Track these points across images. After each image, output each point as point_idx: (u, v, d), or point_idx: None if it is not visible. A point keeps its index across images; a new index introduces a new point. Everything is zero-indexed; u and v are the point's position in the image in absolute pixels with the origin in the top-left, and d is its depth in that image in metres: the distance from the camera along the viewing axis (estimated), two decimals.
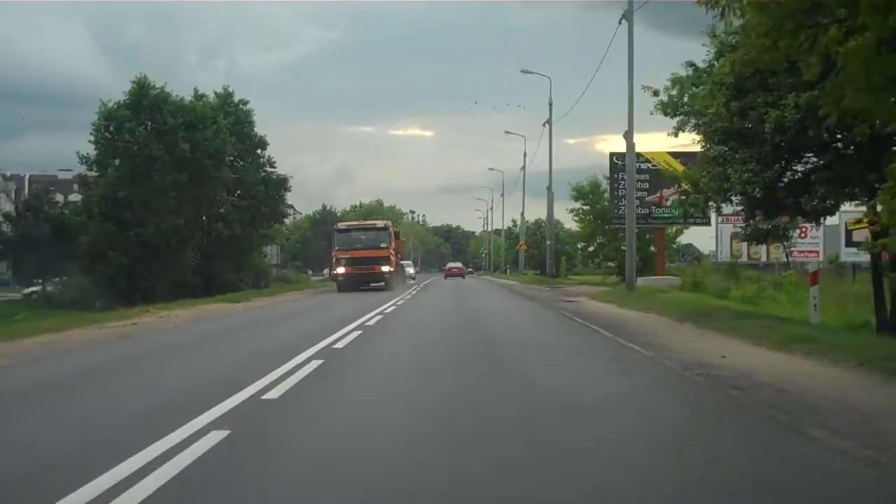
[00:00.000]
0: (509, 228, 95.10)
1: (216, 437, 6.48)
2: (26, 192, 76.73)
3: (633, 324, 18.05)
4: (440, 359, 12.10)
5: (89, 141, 41.29)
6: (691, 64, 20.62)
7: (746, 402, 8.29)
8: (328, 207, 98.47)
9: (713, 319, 17.42)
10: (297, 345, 13.52)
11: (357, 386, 9.84)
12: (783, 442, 6.69)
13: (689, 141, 19.26)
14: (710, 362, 11.13)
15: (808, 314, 16.08)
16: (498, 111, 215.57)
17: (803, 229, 43.15)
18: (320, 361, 11.46)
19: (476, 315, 22.66)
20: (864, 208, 15.31)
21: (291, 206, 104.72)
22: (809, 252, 48.09)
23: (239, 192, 50.93)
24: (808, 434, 6.73)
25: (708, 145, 16.61)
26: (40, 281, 49.60)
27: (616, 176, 40.66)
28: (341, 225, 41.60)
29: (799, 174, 16.31)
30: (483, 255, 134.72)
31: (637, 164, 40.50)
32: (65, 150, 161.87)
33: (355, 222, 42.85)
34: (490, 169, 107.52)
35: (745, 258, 48.98)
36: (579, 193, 48.51)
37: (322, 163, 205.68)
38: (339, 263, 36.73)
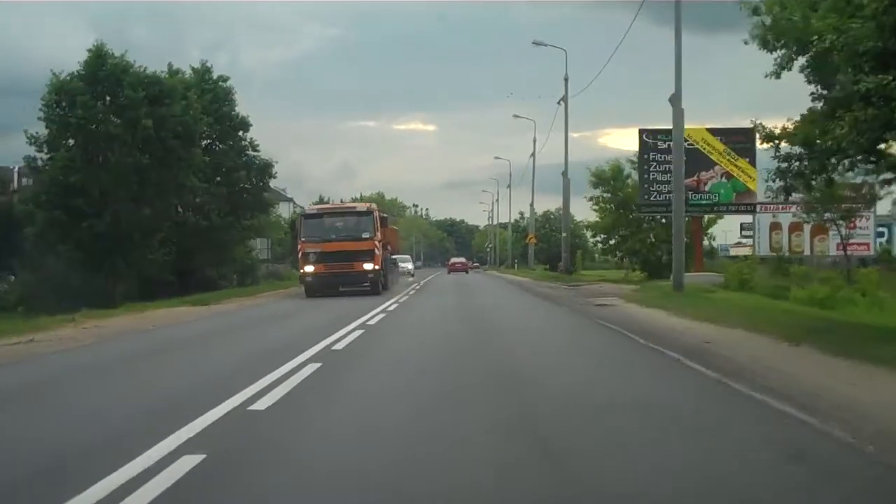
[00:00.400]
0: (516, 221, 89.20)
1: None
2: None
3: (722, 346, 12.20)
4: (441, 441, 6.31)
5: (38, 118, 35.44)
6: None
7: None
8: (325, 199, 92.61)
9: (842, 340, 11.61)
10: (195, 399, 7.72)
11: None
12: None
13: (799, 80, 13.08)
14: None
15: None
16: (502, 105, 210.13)
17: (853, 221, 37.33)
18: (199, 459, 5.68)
19: (489, 329, 16.78)
20: None
21: (291, 200, 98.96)
22: (859, 245, 42.17)
23: (219, 178, 45.25)
24: None
25: (855, 75, 10.58)
26: None
27: (647, 156, 34.78)
28: (310, 209, 32.02)
29: None
30: (488, 250, 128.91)
31: (667, 143, 34.68)
32: None
33: (329, 205, 33.93)
34: (496, 158, 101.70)
35: (785, 251, 43.05)
36: (599, 179, 42.62)
37: (325, 159, 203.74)
38: (306, 260, 27.89)
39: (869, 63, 10.43)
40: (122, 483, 5.14)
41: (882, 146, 11.46)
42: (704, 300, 22.04)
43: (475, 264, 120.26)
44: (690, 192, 34.38)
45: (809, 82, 12.85)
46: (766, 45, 12.81)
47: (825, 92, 12.58)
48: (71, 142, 35.81)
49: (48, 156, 35.86)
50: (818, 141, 12.07)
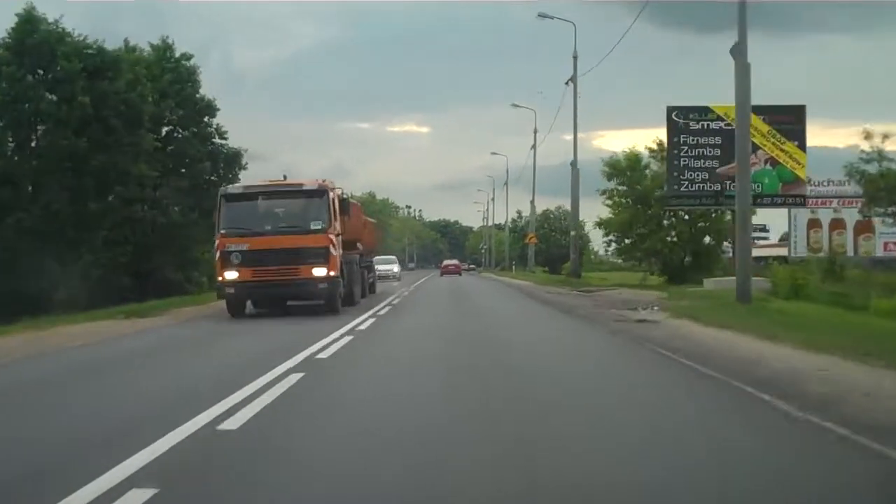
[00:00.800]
0: (514, 220, 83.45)
1: None
2: None
3: None
4: None
5: None
6: None
7: None
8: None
9: None
10: None
11: None
12: None
13: None
14: None
15: None
16: (497, 107, 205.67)
17: None
18: None
19: (500, 367, 10.87)
20: None
21: None
22: None
23: (183, 169, 39.49)
24: None
25: None
26: None
27: (676, 139, 29.03)
28: (233, 188, 21.85)
29: None
30: (483, 251, 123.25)
31: (701, 123, 29.11)
32: None
33: (262, 182, 21.21)
34: (493, 154, 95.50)
35: (825, 251, 37.36)
36: (613, 171, 36.92)
37: (318, 160, 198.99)
38: (226, 262, 19.27)
39: None
40: None
41: None
42: (778, 315, 16.40)
43: (471, 266, 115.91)
44: (728, 182, 28.75)
45: None
46: None
47: None
48: None
49: None
50: None
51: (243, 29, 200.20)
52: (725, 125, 28.64)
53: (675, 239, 36.60)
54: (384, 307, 22.46)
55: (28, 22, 29.98)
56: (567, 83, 38.94)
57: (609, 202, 37.95)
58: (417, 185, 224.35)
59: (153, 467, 5.34)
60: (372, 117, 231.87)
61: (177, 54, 39.69)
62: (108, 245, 33.56)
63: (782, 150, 28.40)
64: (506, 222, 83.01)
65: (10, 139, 29.58)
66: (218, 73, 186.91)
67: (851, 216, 37.00)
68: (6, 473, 5.40)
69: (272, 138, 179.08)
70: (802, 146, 28.25)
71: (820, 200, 37.40)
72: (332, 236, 19.00)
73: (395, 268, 48.27)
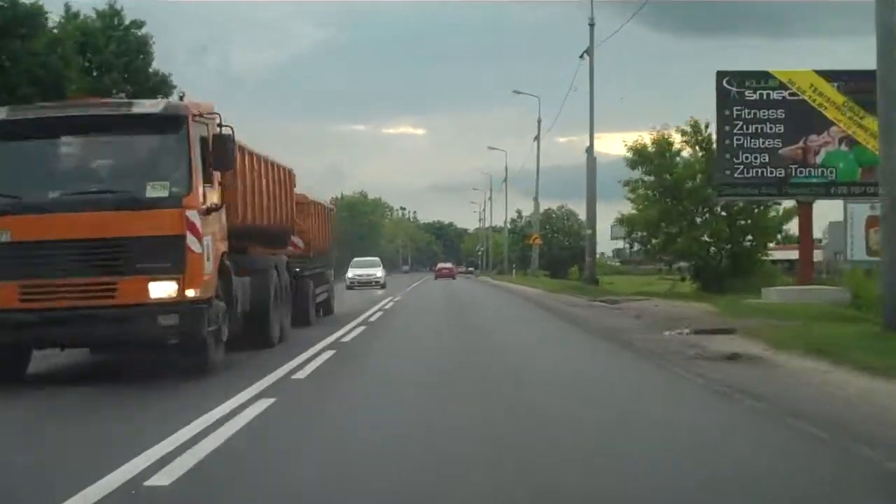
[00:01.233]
0: (513, 220, 77.29)
1: None
2: None
3: None
4: None
5: None
6: None
7: None
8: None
9: None
10: None
11: None
12: None
13: None
14: None
15: None
16: (493, 109, 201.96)
17: None
18: None
19: None
20: None
21: None
22: None
23: None
24: None
25: None
26: None
27: (728, 113, 22.84)
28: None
29: None
30: (479, 254, 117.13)
31: (759, 93, 23.07)
32: None
33: (54, 104, 10.71)
34: (490, 148, 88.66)
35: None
36: (639, 157, 30.80)
37: (314, 161, 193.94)
38: None
39: None
40: None
41: None
42: None
43: (469, 269, 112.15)
44: (795, 167, 22.65)
45: None
46: None
47: None
48: None
49: None
50: None
51: (240, 30, 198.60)
52: (790, 95, 22.54)
53: (709, 239, 30.59)
54: (333, 344, 13.14)
55: None
56: (582, 56, 32.88)
57: (632, 195, 31.90)
58: (412, 186, 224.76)
59: None
60: (367, 119, 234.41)
61: (126, 21, 33.64)
62: None
63: (861, 127, 22.27)
64: (505, 222, 76.86)
65: None
66: (215, 74, 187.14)
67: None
68: None
69: (268, 139, 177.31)
70: None
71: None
72: (192, 212, 9.33)
73: (379, 272, 40.58)
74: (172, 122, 9.54)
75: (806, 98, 22.36)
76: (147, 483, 4.92)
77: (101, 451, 5.91)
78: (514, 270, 70.25)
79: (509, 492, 4.85)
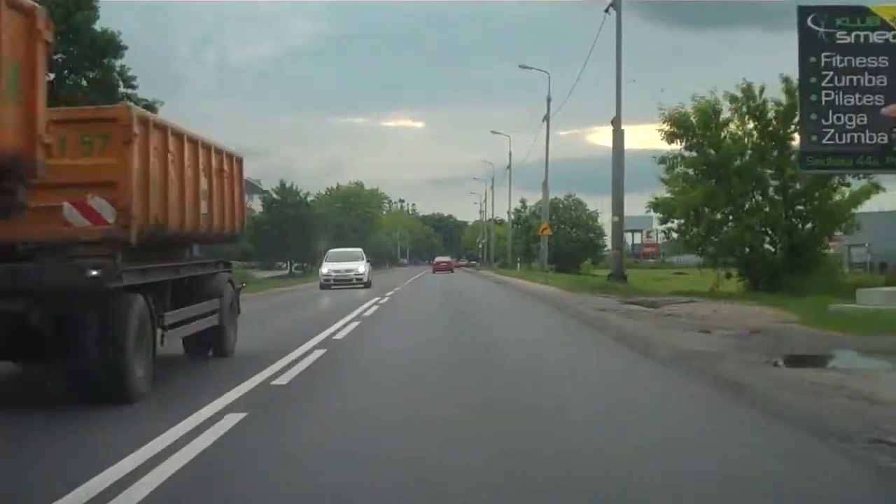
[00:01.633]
0: (517, 210, 71.62)
1: None
2: None
3: None
4: None
5: None
6: None
7: None
8: (288, 185, 75.08)
9: None
10: None
11: None
12: None
13: None
14: None
15: None
16: (491, 103, 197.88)
17: None
18: None
19: None
20: None
21: (267, 192, 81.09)
22: None
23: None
24: None
25: None
26: None
27: (815, 61, 17.30)
28: None
29: None
30: (480, 247, 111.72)
31: (855, 35, 17.62)
32: None
33: None
34: (494, 133, 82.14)
35: None
36: (678, 128, 25.26)
37: (313, 154, 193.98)
38: None
39: None
40: None
41: None
42: None
43: (471, 262, 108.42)
44: None
45: None
46: None
47: None
48: None
49: None
50: None
51: (239, 24, 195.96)
52: (894, 37, 17.11)
53: (762, 228, 25.16)
54: (337, 327, 9.97)
55: None
56: (607, 11, 27.38)
57: (666, 176, 26.43)
58: (411, 179, 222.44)
59: None
60: (366, 112, 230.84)
61: None
62: None
63: None
64: (508, 212, 71.06)
65: None
66: (214, 69, 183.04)
67: None
68: None
69: (267, 133, 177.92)
70: None
71: None
72: None
73: (361, 267, 32.60)
74: None
75: None
76: None
77: None
78: (518, 264, 64.72)
79: None
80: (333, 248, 51.59)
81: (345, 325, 14.65)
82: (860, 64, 17.02)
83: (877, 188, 24.07)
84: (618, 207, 27.15)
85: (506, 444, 5.93)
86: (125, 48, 28.64)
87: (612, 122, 27.31)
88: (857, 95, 17.03)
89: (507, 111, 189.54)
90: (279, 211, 72.22)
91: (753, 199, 25.54)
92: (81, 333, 6.98)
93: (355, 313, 17.29)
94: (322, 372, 9.35)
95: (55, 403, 7.41)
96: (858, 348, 11.52)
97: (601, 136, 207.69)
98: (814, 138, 17.19)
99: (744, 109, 24.88)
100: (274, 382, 8.39)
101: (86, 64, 28.27)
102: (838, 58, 17.07)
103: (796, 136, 24.80)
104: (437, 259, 78.54)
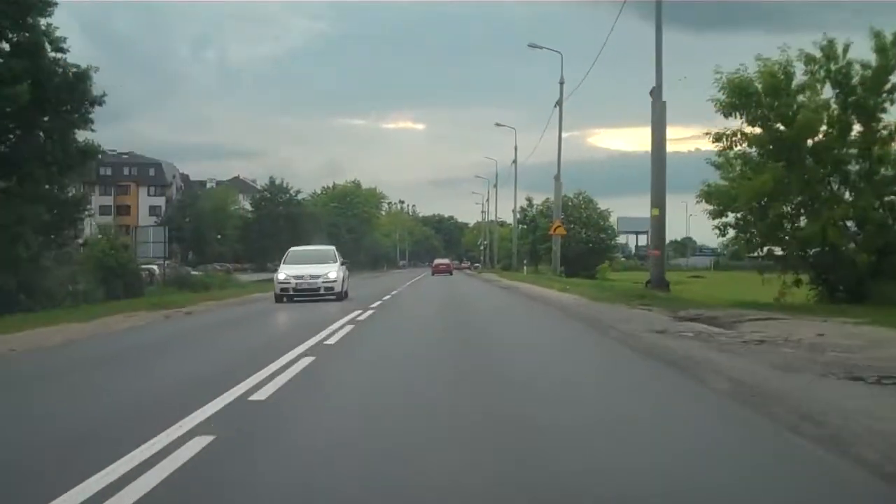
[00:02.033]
0: (523, 209, 66.06)
1: None
2: None
3: None
4: None
5: None
6: None
7: None
8: (279, 182, 69.76)
9: None
10: None
11: None
12: None
13: None
14: None
15: None
16: (491, 104, 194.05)
17: None
18: None
19: None
20: None
21: (264, 191, 74.68)
22: None
23: None
24: None
25: None
26: None
27: None
28: None
29: None
30: (481, 248, 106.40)
31: None
32: None
33: None
34: (498, 125, 76.29)
35: None
36: (740, 97, 19.73)
37: (313, 156, 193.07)
38: None
39: None
40: None
41: None
42: None
43: (474, 265, 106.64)
44: None
45: None
46: None
47: None
48: None
49: None
50: None
51: (238, 25, 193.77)
52: None
53: (848, 223, 19.75)
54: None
55: None
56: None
57: (720, 159, 20.96)
58: (412, 181, 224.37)
59: None
60: (366, 114, 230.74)
61: None
62: None
63: None
64: (514, 210, 65.29)
65: None
66: (214, 69, 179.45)
67: None
68: None
69: (266, 134, 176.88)
70: None
71: None
72: None
73: (333, 272, 24.20)
74: None
75: None
76: None
77: None
78: (524, 266, 59.27)
79: None
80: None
81: (282, 370, 9.15)
82: None
83: None
84: (658, 197, 21.67)
85: None
86: (54, 4, 23.26)
87: (651, 94, 21.88)
88: None
89: (509, 113, 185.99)
90: (268, 209, 67.05)
91: (830, 187, 20.11)
92: None
93: (306, 346, 11.66)
94: None
95: None
96: None
97: (602, 139, 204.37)
98: None
99: (821, 73, 19.46)
100: None
101: (5, 24, 22.92)
102: None
103: (888, 106, 19.46)
104: (437, 261, 78.94)
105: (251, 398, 7.33)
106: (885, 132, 19.52)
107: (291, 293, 23.61)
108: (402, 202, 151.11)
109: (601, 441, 5.82)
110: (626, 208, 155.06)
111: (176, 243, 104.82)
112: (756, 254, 20.92)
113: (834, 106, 19.66)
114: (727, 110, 19.92)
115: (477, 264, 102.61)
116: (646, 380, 9.25)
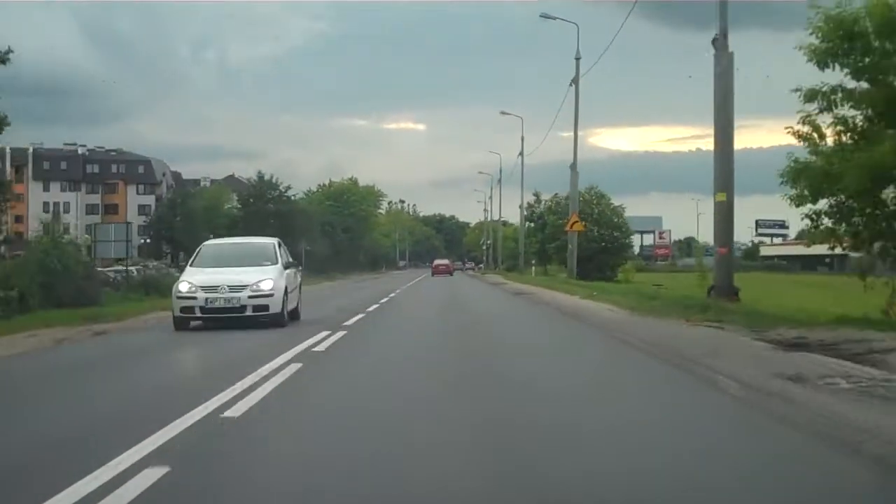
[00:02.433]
0: (530, 205, 60.54)
1: None
2: None
3: None
4: None
5: None
6: None
7: None
8: (268, 177, 64.39)
9: None
10: None
11: None
12: None
13: None
14: None
15: None
16: (492, 104, 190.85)
17: None
18: None
19: None
20: None
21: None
22: None
23: None
24: None
25: None
26: None
27: None
28: None
29: None
30: (484, 248, 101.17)
31: None
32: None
33: None
34: (503, 113, 69.50)
35: None
36: (843, 39, 14.41)
37: (314, 156, 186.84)
38: None
39: None
40: None
41: None
42: None
43: (476, 265, 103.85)
44: None
45: None
46: None
47: None
48: None
49: None
50: None
51: (238, 25, 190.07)
52: None
53: None
54: None
55: None
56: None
57: (805, 126, 15.56)
58: (413, 182, 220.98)
59: None
60: (368, 114, 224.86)
61: None
62: None
63: None
64: (521, 206, 59.49)
65: None
66: (214, 69, 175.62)
67: None
68: None
69: (269, 135, 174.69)
70: None
71: None
72: None
73: (268, 281, 15.20)
74: None
75: None
76: None
77: None
78: (533, 267, 53.87)
79: None
80: (319, 252, 40.02)
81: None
82: None
83: None
84: (724, 177, 16.26)
85: None
86: None
87: (714, 43, 16.55)
88: None
89: (510, 107, 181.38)
90: (255, 206, 61.68)
91: None
92: None
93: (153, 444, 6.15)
94: None
95: None
96: None
97: (602, 139, 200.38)
98: None
99: None
100: None
101: None
102: None
103: None
104: (437, 262, 78.81)
105: None
106: None
107: (199, 315, 14.99)
108: (402, 202, 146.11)
109: None
110: (628, 208, 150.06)
111: (166, 243, 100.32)
112: (866, 250, 15.45)
113: None
114: (822, 59, 14.56)
115: (480, 265, 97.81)
116: None
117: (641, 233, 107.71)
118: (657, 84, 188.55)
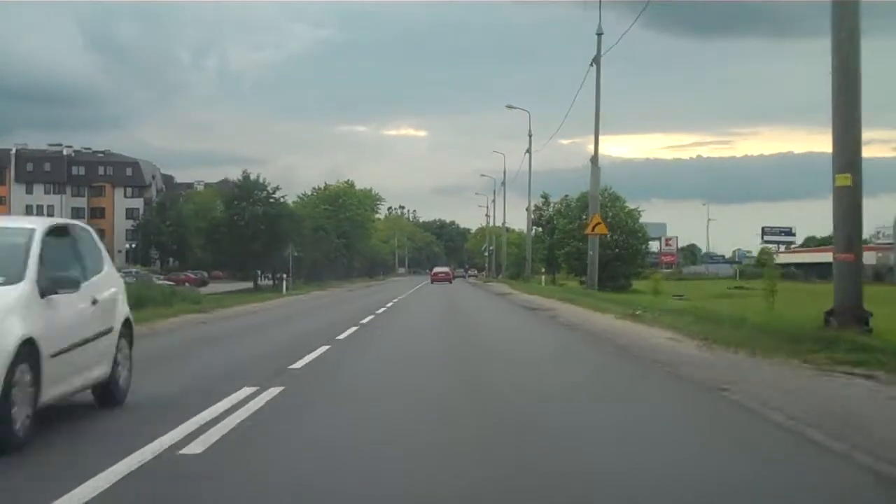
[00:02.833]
0: (538, 208, 55.01)
1: None
2: None
3: None
4: None
5: None
6: None
7: None
8: (253, 177, 59.11)
9: None
10: None
11: None
12: None
13: None
14: None
15: None
16: (493, 113, 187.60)
17: None
18: None
19: None
20: None
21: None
22: None
23: None
24: None
25: None
26: None
27: None
28: None
29: None
30: (486, 255, 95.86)
31: None
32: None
33: None
34: (509, 107, 63.65)
35: None
36: None
37: (314, 163, 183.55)
38: None
39: None
40: None
41: None
42: None
43: (478, 272, 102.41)
44: None
45: None
46: None
47: None
48: None
49: None
50: None
51: (239, 32, 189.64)
52: None
53: None
54: None
55: None
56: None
57: None
58: (414, 188, 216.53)
59: None
60: (368, 121, 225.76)
61: None
62: None
63: None
64: (528, 208, 53.49)
65: None
66: (214, 76, 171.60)
67: None
68: None
69: (269, 142, 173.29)
70: None
71: None
72: None
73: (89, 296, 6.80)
74: None
75: None
76: None
77: None
78: (542, 277, 48.37)
79: None
80: (311, 258, 34.26)
81: None
82: None
83: None
84: (847, 152, 10.90)
85: None
86: None
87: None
88: None
89: (512, 118, 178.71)
90: (241, 209, 56.36)
91: None
92: None
93: None
94: None
95: None
96: None
97: (603, 146, 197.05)
98: None
99: None
100: None
101: None
102: None
103: None
104: (436, 269, 78.23)
105: None
106: None
107: None
108: (401, 207, 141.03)
109: None
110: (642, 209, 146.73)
111: (154, 248, 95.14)
112: None
113: None
114: None
115: (482, 272, 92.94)
116: None
117: (649, 239, 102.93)
118: (658, 92, 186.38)
